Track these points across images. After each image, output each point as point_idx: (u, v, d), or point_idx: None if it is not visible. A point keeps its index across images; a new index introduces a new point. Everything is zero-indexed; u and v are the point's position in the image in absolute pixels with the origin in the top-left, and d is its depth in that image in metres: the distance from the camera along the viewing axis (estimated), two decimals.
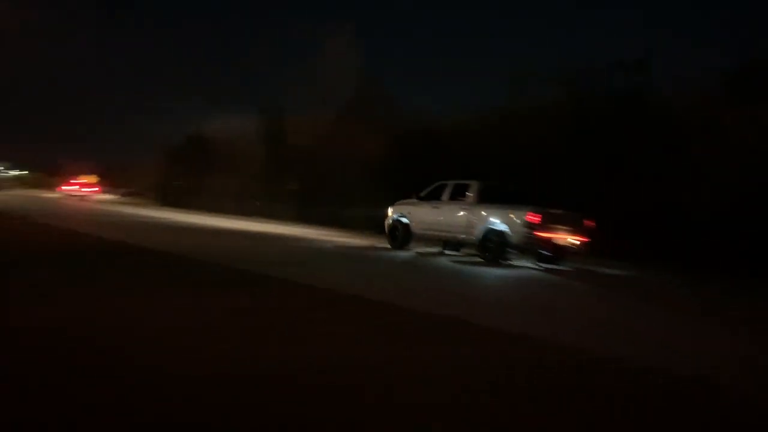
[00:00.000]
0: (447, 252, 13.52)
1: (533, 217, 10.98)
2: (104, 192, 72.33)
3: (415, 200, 13.64)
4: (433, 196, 13.26)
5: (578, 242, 11.48)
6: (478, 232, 11.84)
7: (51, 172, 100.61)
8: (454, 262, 11.78)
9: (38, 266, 6.48)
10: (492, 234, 11.56)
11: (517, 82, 21.77)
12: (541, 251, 11.83)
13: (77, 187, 59.06)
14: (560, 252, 11.75)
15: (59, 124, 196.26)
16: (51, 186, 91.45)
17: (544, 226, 11.04)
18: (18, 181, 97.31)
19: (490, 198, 12.17)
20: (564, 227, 11.35)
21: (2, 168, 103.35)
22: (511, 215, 11.31)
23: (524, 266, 11.81)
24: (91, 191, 63.27)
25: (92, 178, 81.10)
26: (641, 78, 18.41)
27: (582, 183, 16.95)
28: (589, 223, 11.73)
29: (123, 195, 76.44)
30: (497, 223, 11.51)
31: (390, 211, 14.26)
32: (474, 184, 12.49)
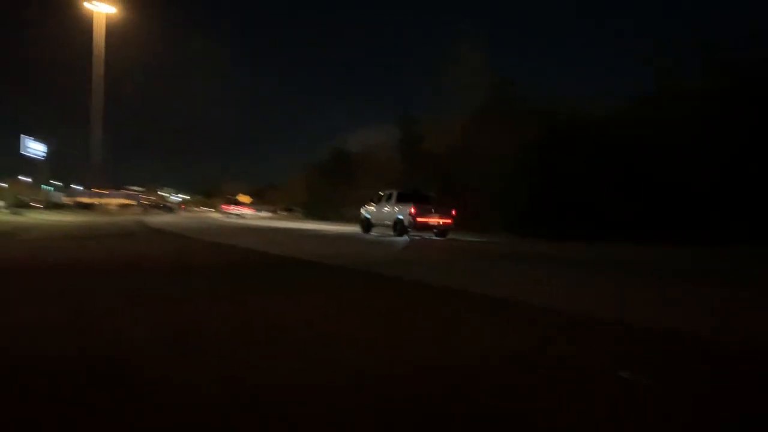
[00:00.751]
0: (392, 233, 22.83)
1: (413, 210, 20.43)
2: (258, 210, 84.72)
3: (372, 203, 23.52)
4: (378, 200, 23.09)
5: (442, 223, 20.73)
6: (393, 219, 21.47)
7: (209, 194, 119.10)
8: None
9: (203, 276, 7.51)
10: (397, 220, 21.16)
11: (665, 66, 22.15)
12: (432, 229, 21.15)
13: (234, 206, 65.62)
14: (435, 229, 21.03)
15: (215, 148, 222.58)
16: (210, 206, 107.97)
17: (420, 214, 20.47)
18: (183, 204, 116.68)
19: (403, 199, 21.67)
20: (435, 215, 20.69)
21: (170, 193, 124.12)
22: (405, 209, 20.81)
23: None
24: (246, 210, 72.56)
25: (246, 198, 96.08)
26: None
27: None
28: (454, 211, 20.92)
29: (274, 212, 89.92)
30: (399, 214, 21.08)
31: (362, 210, 24.28)
32: (394, 192, 22.21)
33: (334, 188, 47.95)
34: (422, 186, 31.05)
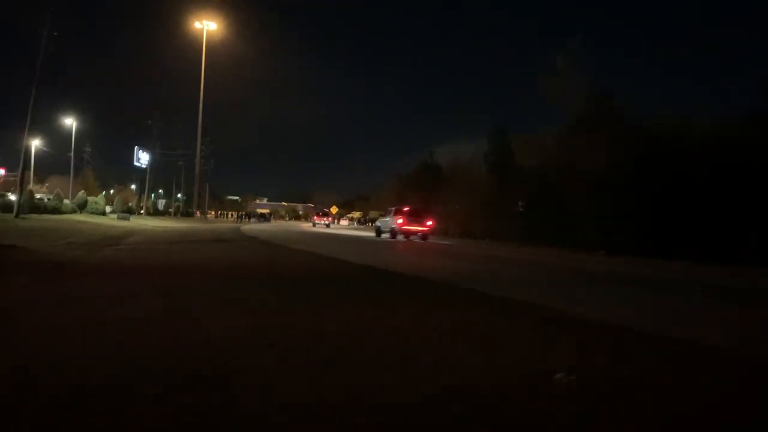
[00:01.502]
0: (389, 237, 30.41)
1: (399, 221, 28.22)
2: (349, 220, 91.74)
3: (380, 216, 31.58)
4: (385, 214, 31.03)
5: (421, 230, 28.33)
6: (390, 227, 29.36)
7: (300, 204, 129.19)
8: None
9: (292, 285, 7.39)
10: (392, 228, 28.98)
11: None
12: (416, 233, 28.71)
13: (324, 216, 70.08)
14: (418, 233, 28.57)
15: (309, 159, 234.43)
16: (301, 216, 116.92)
17: (405, 224, 28.11)
18: (276, 214, 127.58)
19: (397, 213, 29.29)
20: (416, 224, 28.24)
21: (263, 203, 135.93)
22: (395, 219, 28.65)
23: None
24: (336, 220, 78.65)
25: (335, 209, 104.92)
26: None
27: None
28: (432, 222, 28.59)
29: (360, 222, 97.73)
30: (392, 223, 28.93)
31: (377, 222, 32.38)
32: (392, 209, 29.95)
33: (422, 200, 46.91)
34: (512, 200, 35.83)
